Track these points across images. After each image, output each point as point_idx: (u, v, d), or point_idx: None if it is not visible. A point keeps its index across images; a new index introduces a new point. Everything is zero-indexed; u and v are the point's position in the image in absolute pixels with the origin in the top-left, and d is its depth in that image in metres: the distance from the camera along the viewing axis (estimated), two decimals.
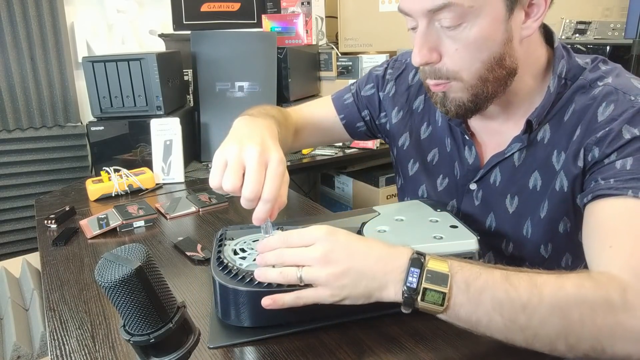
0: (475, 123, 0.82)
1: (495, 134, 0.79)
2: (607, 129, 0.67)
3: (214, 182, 0.63)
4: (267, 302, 0.62)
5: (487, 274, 0.56)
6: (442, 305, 0.55)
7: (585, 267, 0.80)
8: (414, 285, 0.56)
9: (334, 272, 0.58)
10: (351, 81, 1.86)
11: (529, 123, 0.73)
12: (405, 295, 0.56)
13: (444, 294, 0.55)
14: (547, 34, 0.75)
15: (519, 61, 0.70)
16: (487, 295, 0.55)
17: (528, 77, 0.73)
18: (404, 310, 0.58)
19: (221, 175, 0.63)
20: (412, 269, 0.56)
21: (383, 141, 1.02)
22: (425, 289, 0.55)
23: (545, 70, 0.75)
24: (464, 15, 0.64)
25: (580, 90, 0.72)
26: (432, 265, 0.56)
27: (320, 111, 1.02)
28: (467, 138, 0.81)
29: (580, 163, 0.70)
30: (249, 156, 0.62)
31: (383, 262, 0.58)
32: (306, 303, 0.61)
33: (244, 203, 0.62)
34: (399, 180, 0.97)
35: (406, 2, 0.68)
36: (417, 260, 0.57)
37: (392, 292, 0.57)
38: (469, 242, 0.67)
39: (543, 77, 0.75)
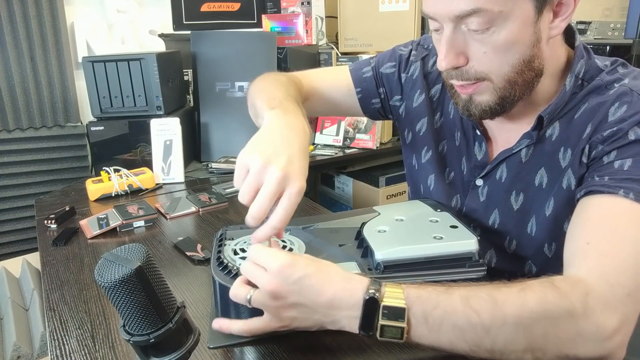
0: (488, 119, 0.81)
1: (508, 131, 0.79)
2: (615, 129, 0.66)
3: (236, 184, 0.63)
4: (215, 325, 0.63)
5: (446, 301, 0.55)
6: (401, 338, 0.55)
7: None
8: (370, 326, 0.55)
9: (282, 306, 0.58)
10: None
11: (540, 119, 0.73)
12: (362, 333, 0.56)
13: (402, 328, 0.54)
14: (568, 32, 0.74)
15: (545, 61, 0.69)
16: (447, 324, 0.54)
17: (547, 76, 0.72)
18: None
19: (242, 181, 0.62)
20: (366, 309, 0.55)
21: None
22: (382, 326, 0.55)
23: (563, 70, 0.74)
24: (493, 20, 0.62)
25: (595, 91, 0.72)
26: (388, 300, 0.55)
27: (334, 81, 0.96)
28: (479, 133, 0.81)
29: (585, 159, 0.70)
30: (268, 179, 0.60)
31: (337, 300, 0.57)
32: (256, 334, 0.61)
33: (247, 219, 0.61)
34: (413, 166, 0.94)
35: (432, 7, 0.66)
36: (371, 300, 0.55)
37: (349, 328, 0.57)
38: (469, 242, 0.67)
39: (561, 77, 0.74)
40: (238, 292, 0.60)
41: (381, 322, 0.55)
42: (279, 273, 0.57)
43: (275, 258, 0.58)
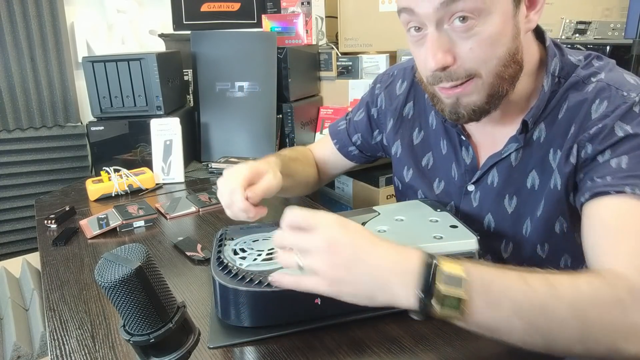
0: (469, 124, 0.81)
1: (490, 133, 0.79)
2: (599, 126, 0.67)
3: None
4: (274, 277, 0.60)
5: (503, 275, 0.54)
6: (457, 309, 0.52)
7: (587, 268, 0.81)
8: (429, 289, 0.52)
9: (335, 263, 0.54)
10: (351, 81, 1.87)
11: (524, 123, 0.73)
12: (421, 298, 0.52)
13: (461, 299, 0.51)
14: (537, 32, 0.75)
15: (524, 56, 0.70)
16: (505, 297, 0.53)
17: (523, 74, 0.72)
18: (414, 317, 0.54)
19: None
20: (425, 271, 0.52)
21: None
22: (440, 294, 0.51)
23: (538, 69, 0.74)
24: (479, 11, 0.62)
25: (573, 87, 0.72)
26: (447, 267, 0.53)
27: (325, 144, 1.07)
28: (464, 138, 0.81)
29: (573, 160, 0.70)
30: (218, 182, 0.78)
31: (391, 262, 0.54)
32: (304, 290, 0.57)
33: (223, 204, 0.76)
34: (397, 187, 0.97)
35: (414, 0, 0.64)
36: (429, 263, 0.53)
37: (403, 297, 0.53)
38: (469, 242, 0.67)
39: (536, 75, 0.74)
40: (288, 256, 0.57)
41: (438, 286, 0.51)
42: (332, 226, 0.56)
43: (325, 215, 0.57)
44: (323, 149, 1.07)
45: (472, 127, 0.82)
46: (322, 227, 0.56)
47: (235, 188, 0.73)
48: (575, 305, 0.53)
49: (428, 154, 0.88)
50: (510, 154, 0.76)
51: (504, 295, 0.53)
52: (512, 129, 0.75)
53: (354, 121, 1.02)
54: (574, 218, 0.73)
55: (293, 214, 0.58)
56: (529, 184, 0.75)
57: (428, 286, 0.52)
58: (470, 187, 0.81)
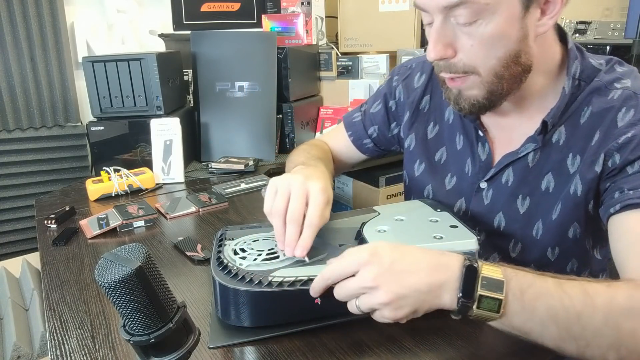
0: (487, 119, 0.82)
1: (507, 130, 0.79)
2: (629, 135, 0.66)
3: (266, 207, 0.72)
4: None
5: (541, 281, 0.56)
6: (497, 312, 0.54)
7: (590, 274, 0.80)
8: (470, 293, 0.55)
9: (389, 297, 0.55)
10: (351, 81, 1.87)
11: (544, 124, 0.73)
12: (461, 302, 0.55)
13: (500, 300, 0.54)
14: (560, 33, 0.75)
15: (534, 58, 0.70)
16: (541, 303, 0.54)
17: (541, 74, 0.73)
18: (453, 317, 0.57)
19: (272, 200, 0.71)
20: (466, 276, 0.55)
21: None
22: (480, 296, 0.54)
23: (559, 69, 0.74)
24: (480, 12, 0.63)
25: (596, 92, 0.72)
26: (486, 271, 0.55)
27: (338, 135, 1.07)
28: (481, 134, 0.81)
29: (598, 168, 0.69)
30: (294, 183, 0.70)
31: (436, 273, 0.56)
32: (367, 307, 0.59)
33: (288, 234, 0.67)
34: (405, 183, 0.96)
35: None
36: (471, 267, 0.55)
37: (448, 300, 0.56)
38: (469, 242, 0.67)
39: (557, 75, 0.74)
40: (349, 306, 0.59)
41: (480, 291, 0.54)
42: (370, 262, 0.56)
43: (358, 251, 0.57)
44: (337, 141, 1.06)
45: (489, 122, 0.82)
46: (361, 267, 0.57)
47: (298, 218, 0.68)
48: (610, 316, 0.54)
49: (442, 149, 0.88)
50: (527, 154, 0.76)
51: (540, 300, 0.55)
52: (529, 128, 0.75)
53: (370, 113, 1.00)
54: (588, 224, 0.73)
55: (326, 271, 0.59)
56: (543, 186, 0.75)
57: (470, 290, 0.55)
58: (483, 185, 0.81)
